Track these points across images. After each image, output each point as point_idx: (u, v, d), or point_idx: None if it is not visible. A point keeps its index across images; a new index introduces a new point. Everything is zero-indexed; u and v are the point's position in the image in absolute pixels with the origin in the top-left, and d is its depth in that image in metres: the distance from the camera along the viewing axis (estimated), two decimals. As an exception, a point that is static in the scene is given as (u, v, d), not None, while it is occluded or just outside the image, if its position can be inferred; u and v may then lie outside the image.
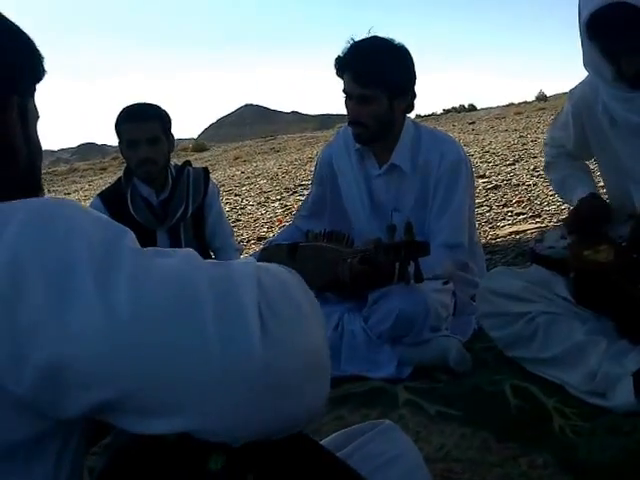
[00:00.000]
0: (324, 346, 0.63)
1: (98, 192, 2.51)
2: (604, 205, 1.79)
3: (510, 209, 4.09)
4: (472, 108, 17.76)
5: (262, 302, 0.58)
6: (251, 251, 3.79)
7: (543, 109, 10.93)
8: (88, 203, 2.65)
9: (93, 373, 0.54)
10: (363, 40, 2.00)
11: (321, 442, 0.86)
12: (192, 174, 2.39)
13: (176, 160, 2.59)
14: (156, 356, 0.54)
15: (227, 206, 5.89)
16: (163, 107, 2.31)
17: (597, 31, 1.49)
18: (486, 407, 1.60)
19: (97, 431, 0.74)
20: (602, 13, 1.43)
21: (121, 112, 2.26)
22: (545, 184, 4.41)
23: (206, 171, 2.47)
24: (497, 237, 3.47)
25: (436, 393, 1.71)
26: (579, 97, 1.80)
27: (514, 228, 3.59)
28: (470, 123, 10.94)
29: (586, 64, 1.62)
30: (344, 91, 2.02)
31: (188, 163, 2.47)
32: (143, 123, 2.21)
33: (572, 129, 1.85)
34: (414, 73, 2.03)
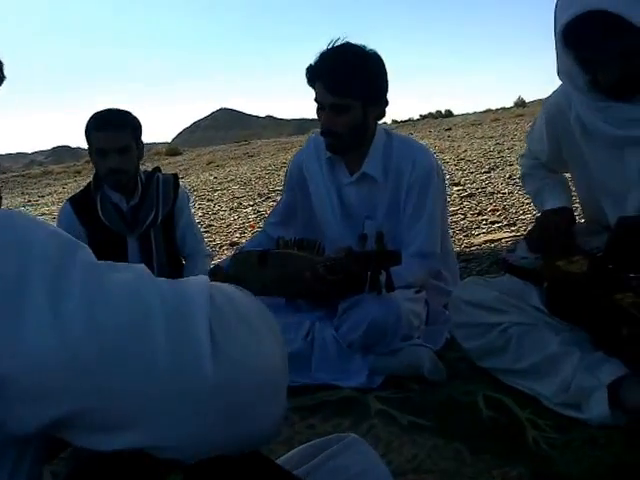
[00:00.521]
0: (279, 364, 0.62)
1: (68, 197, 2.48)
2: (564, 220, 1.78)
3: (485, 217, 4.10)
4: (449, 114, 17.76)
5: (214, 319, 0.57)
6: (224, 256, 3.77)
7: (521, 115, 10.99)
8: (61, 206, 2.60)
9: (44, 390, 0.53)
10: (334, 48, 1.96)
11: (285, 455, 0.86)
12: (162, 180, 2.39)
13: (149, 164, 2.58)
14: (107, 373, 0.53)
15: (199, 211, 5.86)
16: (136, 111, 2.30)
17: (573, 40, 1.47)
18: (459, 418, 1.59)
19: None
20: (579, 21, 1.41)
21: (91, 118, 2.23)
22: (520, 193, 4.44)
23: (176, 177, 2.47)
24: (472, 245, 3.47)
25: (408, 403, 1.69)
26: (553, 106, 1.79)
27: (489, 237, 3.59)
28: (446, 129, 10.96)
29: (560, 73, 1.61)
30: (316, 100, 1.98)
31: (158, 169, 2.47)
32: (114, 133, 2.18)
33: (546, 140, 1.84)
34: (387, 80, 2.01)
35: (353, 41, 1.98)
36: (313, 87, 1.98)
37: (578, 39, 1.46)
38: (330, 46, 1.96)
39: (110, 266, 0.59)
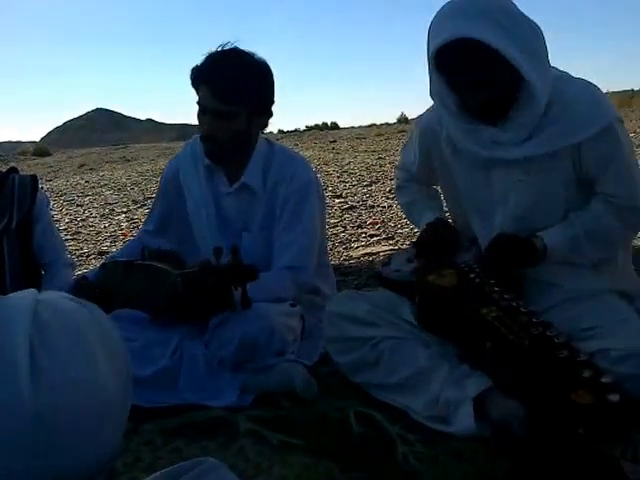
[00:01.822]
0: (115, 389, 0.59)
1: None
2: (451, 230, 1.83)
3: (364, 230, 4.14)
4: (335, 126, 17.96)
5: (35, 337, 0.54)
6: (91, 266, 3.53)
7: (403, 132, 11.28)
8: None
9: None
10: (224, 52, 1.88)
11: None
12: (17, 182, 2.17)
13: (14, 164, 2.35)
14: None
15: (67, 217, 5.49)
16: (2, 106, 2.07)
17: (443, 64, 1.53)
18: (330, 435, 1.56)
19: None
20: (448, 47, 1.47)
21: None
22: (399, 206, 4.54)
23: (34, 179, 2.25)
24: (351, 258, 3.49)
25: (279, 422, 1.64)
26: (425, 122, 1.84)
27: (367, 250, 3.62)
28: (331, 142, 11.07)
29: (432, 94, 1.66)
30: (199, 103, 1.89)
31: (14, 170, 2.25)
32: None
33: (418, 156, 1.88)
34: (274, 92, 1.96)
35: (243, 47, 1.90)
36: (196, 89, 1.89)
37: (446, 64, 1.52)
38: (219, 49, 1.88)
39: None
